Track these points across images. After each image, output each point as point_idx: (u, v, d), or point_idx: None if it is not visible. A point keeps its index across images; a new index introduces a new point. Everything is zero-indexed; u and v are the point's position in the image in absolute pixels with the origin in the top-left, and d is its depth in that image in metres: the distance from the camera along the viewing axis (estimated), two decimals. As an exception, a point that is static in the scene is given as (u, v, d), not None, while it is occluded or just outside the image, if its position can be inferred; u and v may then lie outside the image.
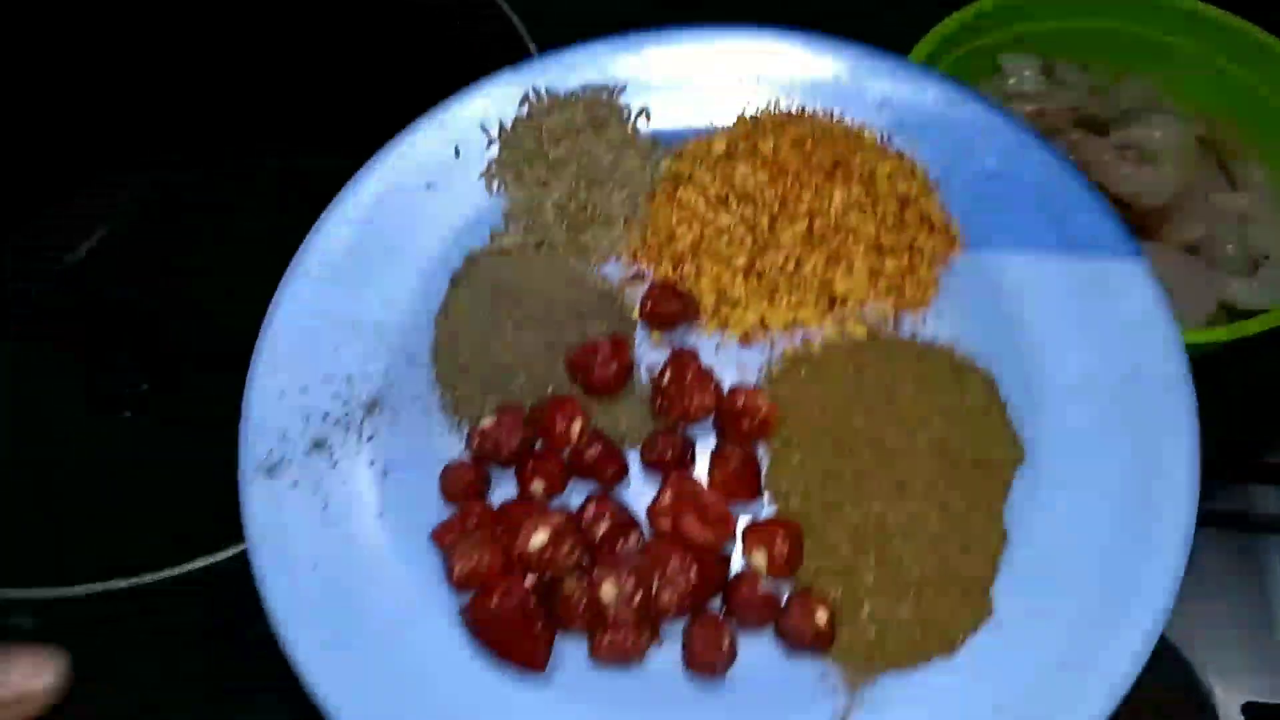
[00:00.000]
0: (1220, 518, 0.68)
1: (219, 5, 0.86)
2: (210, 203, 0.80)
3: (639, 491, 0.63)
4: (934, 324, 0.66)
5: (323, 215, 0.69)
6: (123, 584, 0.63)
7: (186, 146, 0.86)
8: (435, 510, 0.62)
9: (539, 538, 0.58)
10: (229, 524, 0.49)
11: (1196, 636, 0.63)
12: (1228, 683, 0.64)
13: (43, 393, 0.79)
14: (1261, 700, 0.63)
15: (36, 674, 0.37)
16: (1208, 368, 0.58)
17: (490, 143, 0.72)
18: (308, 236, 0.68)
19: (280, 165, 0.67)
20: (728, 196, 0.68)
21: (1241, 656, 0.65)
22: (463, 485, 0.62)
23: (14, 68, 0.83)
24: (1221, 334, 0.69)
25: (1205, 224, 0.78)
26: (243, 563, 0.59)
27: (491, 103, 0.73)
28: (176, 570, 0.64)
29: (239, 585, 0.58)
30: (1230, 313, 0.76)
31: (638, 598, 0.56)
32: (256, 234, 0.65)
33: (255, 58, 0.87)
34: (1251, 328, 0.69)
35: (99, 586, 0.64)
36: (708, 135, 0.72)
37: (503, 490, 0.63)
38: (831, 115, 0.71)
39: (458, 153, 0.72)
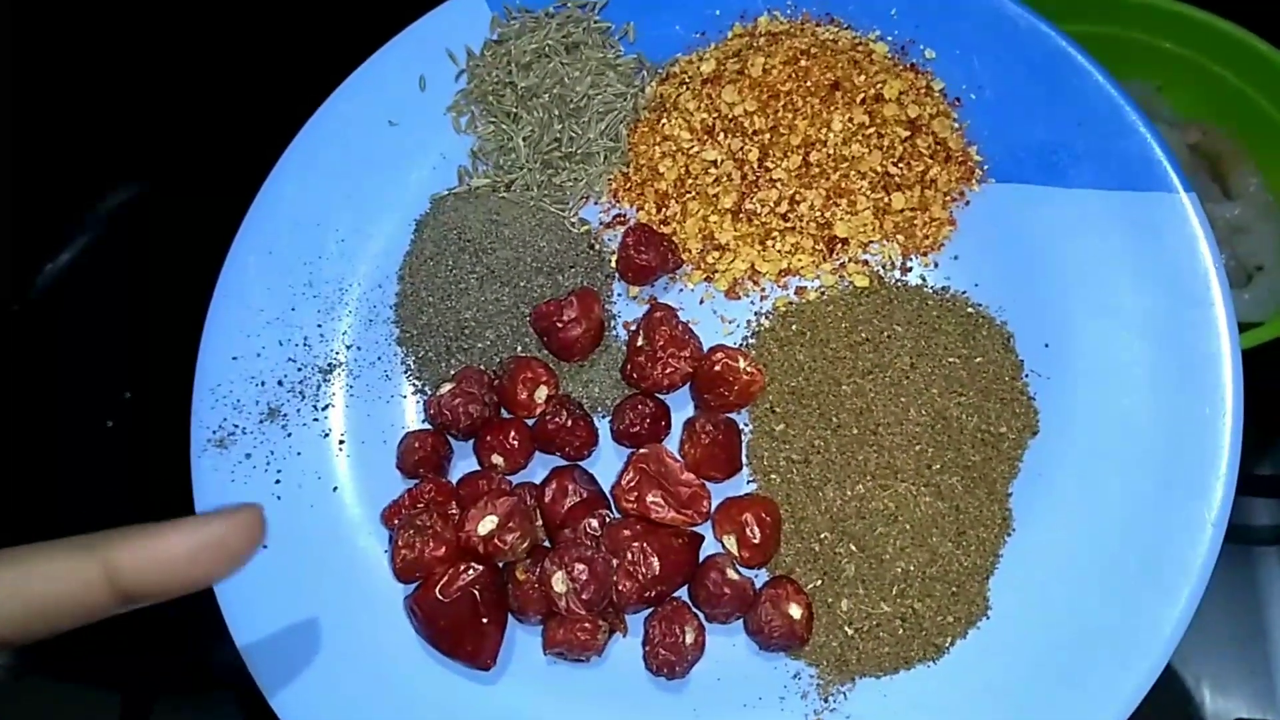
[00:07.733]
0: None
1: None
2: (191, 212, 0.76)
3: (611, 465, 0.57)
4: (947, 268, 0.58)
5: (279, 162, 0.64)
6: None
7: (170, 156, 0.84)
8: (393, 484, 0.58)
9: (487, 523, 0.53)
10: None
11: (1189, 649, 0.59)
12: (1221, 696, 0.61)
13: (25, 400, 0.77)
14: (1255, 717, 0.60)
15: (235, 530, 0.36)
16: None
17: (460, 73, 0.65)
18: (262, 187, 0.63)
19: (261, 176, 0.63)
20: (714, 126, 0.60)
21: (1235, 670, 0.61)
22: (417, 459, 0.57)
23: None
24: None
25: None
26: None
27: (459, 24, 0.65)
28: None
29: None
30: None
31: (591, 590, 0.51)
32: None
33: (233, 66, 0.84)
34: (1244, 343, 0.60)
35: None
36: (698, 51, 0.64)
37: (469, 463, 0.59)
38: (837, 25, 0.62)
39: (423, 84, 0.65)
